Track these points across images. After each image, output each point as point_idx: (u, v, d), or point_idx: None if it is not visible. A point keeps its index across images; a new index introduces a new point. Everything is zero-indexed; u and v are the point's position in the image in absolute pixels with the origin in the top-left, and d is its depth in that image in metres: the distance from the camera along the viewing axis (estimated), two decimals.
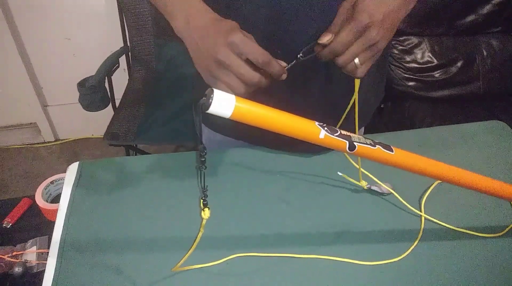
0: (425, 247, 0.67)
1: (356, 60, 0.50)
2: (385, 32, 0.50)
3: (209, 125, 0.85)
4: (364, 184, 0.72)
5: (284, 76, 0.52)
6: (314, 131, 0.44)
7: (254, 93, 0.50)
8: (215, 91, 0.39)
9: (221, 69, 0.48)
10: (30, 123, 2.08)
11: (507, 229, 0.69)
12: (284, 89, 0.67)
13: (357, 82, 0.58)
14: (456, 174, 0.53)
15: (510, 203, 0.74)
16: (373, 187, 0.72)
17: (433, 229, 0.70)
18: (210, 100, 0.39)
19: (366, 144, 0.46)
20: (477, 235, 0.69)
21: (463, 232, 0.69)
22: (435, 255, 0.66)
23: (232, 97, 0.40)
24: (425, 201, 0.74)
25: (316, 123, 0.44)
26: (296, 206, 0.73)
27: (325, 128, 0.44)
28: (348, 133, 0.46)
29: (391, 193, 0.73)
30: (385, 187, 0.71)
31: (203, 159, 0.45)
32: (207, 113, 0.41)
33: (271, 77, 0.51)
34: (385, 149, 0.47)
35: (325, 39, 0.50)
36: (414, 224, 0.71)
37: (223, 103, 0.40)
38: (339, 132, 0.45)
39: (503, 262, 0.65)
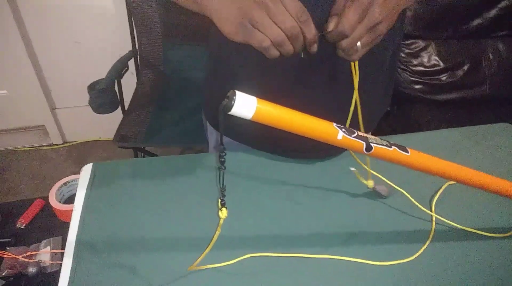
0: (437, 247, 0.68)
1: (359, 43, 0.50)
2: (388, 13, 0.50)
3: (217, 128, 0.86)
4: (371, 184, 0.72)
5: (315, 48, 0.51)
6: (332, 132, 0.45)
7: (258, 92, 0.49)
8: (238, 93, 0.41)
9: (262, 14, 0.47)
10: (38, 126, 2.10)
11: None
12: (287, 88, 0.67)
13: (356, 79, 0.58)
14: (470, 175, 0.54)
15: None
16: (377, 188, 0.73)
17: (445, 230, 0.71)
18: (233, 102, 0.40)
19: (383, 145, 0.47)
20: (488, 236, 0.69)
21: (474, 232, 0.70)
22: (447, 255, 0.67)
23: (253, 99, 0.41)
24: (436, 202, 0.75)
25: (334, 124, 0.45)
26: (308, 207, 0.74)
27: (343, 129, 0.45)
28: (365, 135, 0.47)
29: (388, 197, 0.74)
30: (385, 191, 0.72)
31: (222, 160, 0.46)
32: (228, 114, 0.42)
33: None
34: (401, 150, 0.48)
35: (331, 25, 0.50)
36: (425, 225, 0.72)
37: (245, 105, 0.41)
38: (356, 133, 0.46)
39: None
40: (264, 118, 0.42)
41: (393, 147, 0.48)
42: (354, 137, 0.45)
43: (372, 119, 0.84)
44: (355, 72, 0.58)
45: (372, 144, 0.46)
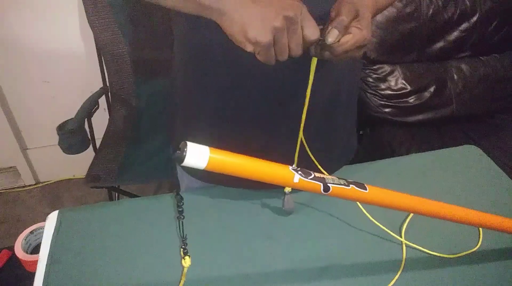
0: (409, 276, 0.68)
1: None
2: None
3: (188, 171, 0.85)
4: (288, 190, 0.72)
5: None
6: (289, 176, 0.45)
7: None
8: (189, 144, 0.40)
9: (289, 24, 0.47)
10: (10, 167, 2.05)
11: (465, 252, 0.72)
12: (254, 126, 0.68)
13: (311, 76, 0.57)
14: (430, 207, 0.54)
15: (478, 229, 0.76)
16: (287, 198, 0.73)
17: (415, 257, 0.72)
18: (184, 153, 0.40)
19: (340, 184, 0.48)
20: (452, 258, 0.70)
21: (444, 257, 0.70)
22: (419, 283, 0.67)
23: (206, 149, 0.41)
24: (405, 228, 0.76)
25: (290, 167, 0.46)
26: (280, 242, 0.73)
27: (299, 172, 0.45)
28: (322, 175, 0.47)
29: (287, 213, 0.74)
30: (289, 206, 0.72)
31: (180, 209, 0.45)
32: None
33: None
34: (358, 188, 0.49)
35: (332, 38, 0.49)
36: (396, 253, 0.72)
37: (198, 155, 0.41)
38: (313, 175, 0.46)
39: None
40: (218, 167, 0.42)
41: (351, 185, 0.48)
42: (311, 179, 0.46)
43: (338, 158, 0.86)
44: (311, 69, 0.57)
45: (329, 185, 0.47)
